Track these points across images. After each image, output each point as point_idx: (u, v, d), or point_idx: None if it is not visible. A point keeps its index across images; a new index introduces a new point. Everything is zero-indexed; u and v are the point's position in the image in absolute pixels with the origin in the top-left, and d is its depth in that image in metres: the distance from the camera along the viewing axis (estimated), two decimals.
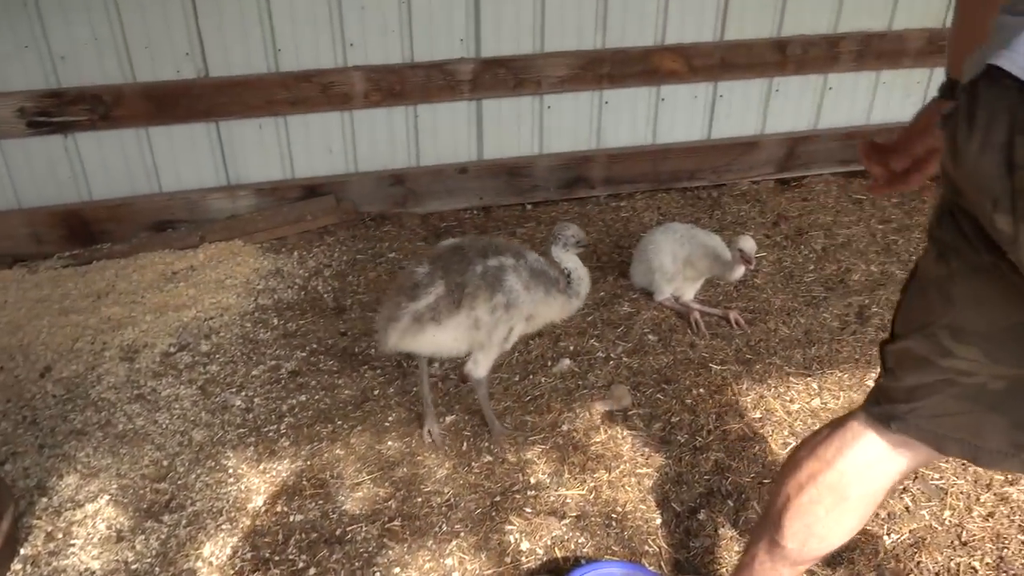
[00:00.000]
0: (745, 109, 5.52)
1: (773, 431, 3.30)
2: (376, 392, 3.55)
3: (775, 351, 3.85)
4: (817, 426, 3.19)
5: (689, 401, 3.47)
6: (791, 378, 3.64)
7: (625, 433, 3.28)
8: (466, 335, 2.82)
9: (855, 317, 4.16)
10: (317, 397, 3.52)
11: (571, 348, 3.85)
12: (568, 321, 3.88)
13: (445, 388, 3.60)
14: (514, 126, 5.22)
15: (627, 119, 5.37)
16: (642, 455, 3.19)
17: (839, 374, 3.69)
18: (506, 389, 3.57)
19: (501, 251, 2.92)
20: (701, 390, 3.54)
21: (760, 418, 3.38)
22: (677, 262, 4.03)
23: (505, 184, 5.32)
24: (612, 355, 3.80)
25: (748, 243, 3.78)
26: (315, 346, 3.89)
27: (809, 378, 3.65)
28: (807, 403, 3.49)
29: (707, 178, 5.64)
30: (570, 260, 3.09)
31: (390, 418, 3.39)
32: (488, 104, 5.10)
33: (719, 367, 3.69)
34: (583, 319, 4.09)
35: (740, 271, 3.86)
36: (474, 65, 4.92)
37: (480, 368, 2.99)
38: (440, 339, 2.80)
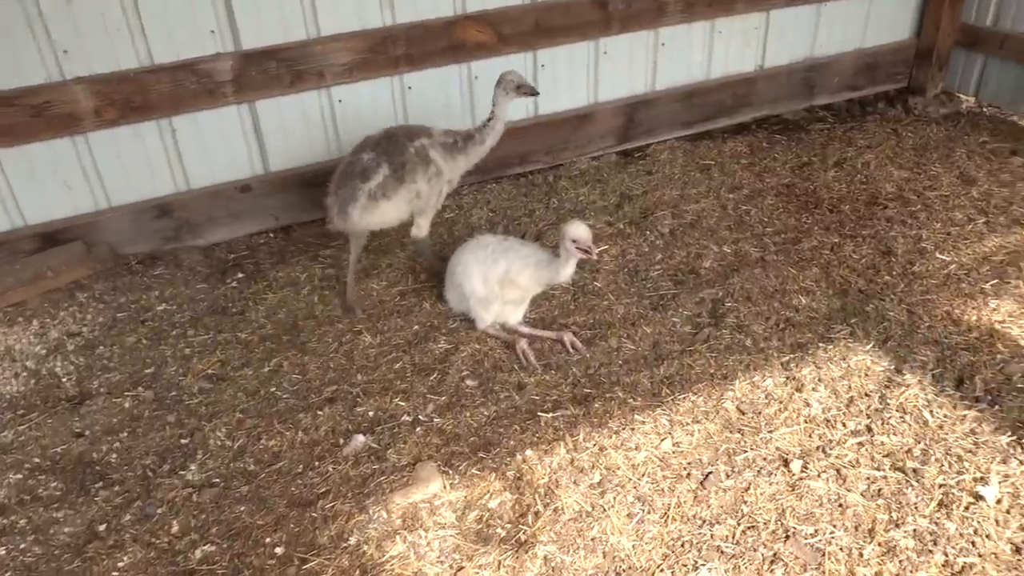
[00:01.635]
0: (572, 78, 4.74)
1: (616, 499, 2.59)
2: (106, 526, 2.62)
3: (618, 378, 3.14)
4: (668, 479, 2.64)
5: (512, 473, 2.71)
6: (636, 415, 2.93)
7: (430, 536, 2.49)
8: (408, 205, 3.46)
9: (708, 316, 3.49)
10: (23, 546, 2.56)
11: (370, 414, 3.02)
12: (371, 374, 3.06)
13: None
14: (302, 129, 4.27)
15: (438, 104, 4.50)
16: (450, 567, 2.40)
17: (692, 398, 3.01)
18: (282, 491, 2.71)
19: (419, 134, 3.49)
20: (528, 452, 2.79)
21: (600, 482, 2.66)
22: (491, 284, 3.24)
23: (304, 198, 4.38)
24: (421, 416, 2.99)
25: (579, 230, 3.01)
26: (36, 461, 2.91)
27: (658, 410, 2.96)
28: (655, 448, 2.79)
29: (541, 160, 4.86)
30: (501, 109, 3.58)
31: (120, 564, 2.48)
32: (264, 107, 4.12)
33: (550, 415, 2.95)
34: (390, 368, 3.26)
35: (571, 266, 3.12)
36: (234, 61, 3.92)
37: (423, 229, 3.65)
38: (388, 212, 3.43)
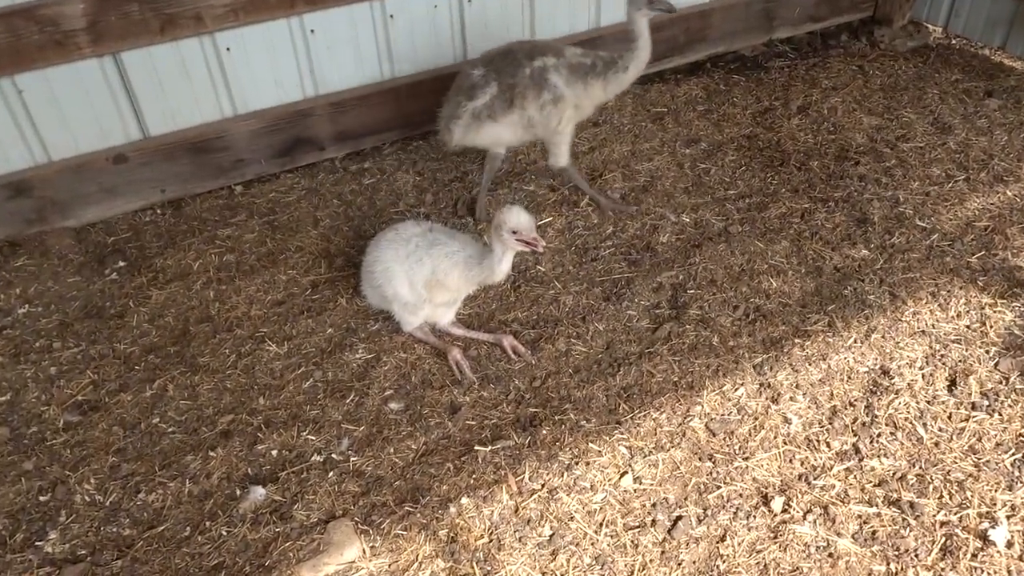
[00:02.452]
0: (504, 14, 4.06)
1: (570, 562, 2.15)
2: None
3: (568, 392, 2.66)
4: (631, 530, 2.14)
5: (445, 531, 2.24)
6: (591, 442, 2.48)
7: None
8: (522, 130, 3.18)
9: (668, 306, 3.02)
10: None
11: (273, 454, 2.49)
12: (275, 397, 2.52)
13: None
14: (184, 85, 3.53)
15: (348, 50, 3.80)
16: None
17: (655, 415, 2.57)
18: (164, 564, 2.19)
19: (544, 52, 3.11)
20: (464, 500, 2.31)
21: (551, 538, 2.21)
22: (417, 287, 2.68)
23: (194, 166, 3.69)
24: (335, 454, 2.47)
25: (519, 218, 2.46)
26: None
27: (616, 433, 2.51)
28: (615, 487, 2.35)
29: None
30: (640, 29, 3.08)
31: None
32: (132, 58, 3.37)
33: (489, 448, 2.46)
34: (298, 388, 2.71)
35: (508, 262, 2.59)
36: (86, 5, 3.13)
37: (560, 157, 3.32)
38: (498, 132, 3.16)
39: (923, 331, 2.84)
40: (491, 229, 2.50)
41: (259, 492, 2.32)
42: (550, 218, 3.51)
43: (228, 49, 3.53)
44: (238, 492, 2.36)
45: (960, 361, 2.71)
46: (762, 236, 3.35)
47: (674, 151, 3.97)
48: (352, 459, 2.44)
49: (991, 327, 2.83)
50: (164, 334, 2.98)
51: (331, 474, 2.39)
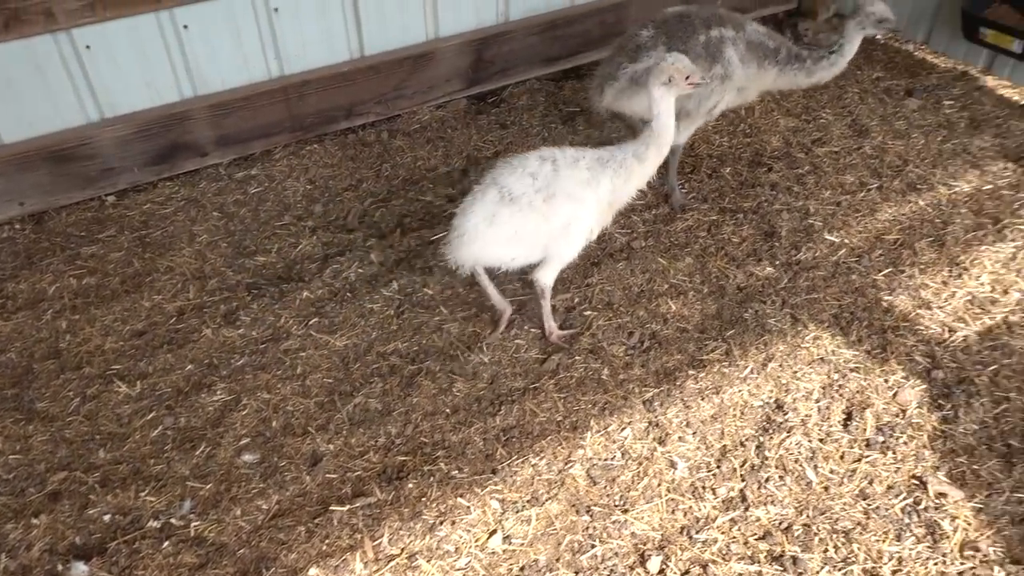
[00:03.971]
0: (403, 8, 3.77)
1: None
2: None
3: (443, 436, 2.45)
4: None
5: None
6: (460, 496, 2.27)
7: None
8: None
9: (562, 323, 2.81)
10: None
11: (106, 519, 2.23)
12: (118, 448, 2.25)
13: None
14: (38, 86, 3.19)
15: (228, 47, 3.47)
16: None
17: (534, 461, 2.37)
18: None
19: (723, 23, 2.85)
20: (313, 572, 2.08)
21: None
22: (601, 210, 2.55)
23: (55, 176, 3.35)
24: (175, 519, 2.23)
25: (688, 63, 2.40)
26: None
27: (489, 484, 2.31)
28: (481, 549, 2.15)
29: (373, 112, 3.94)
30: (852, 44, 2.93)
31: None
32: None
33: (347, 508, 2.24)
34: (145, 437, 2.45)
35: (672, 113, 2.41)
36: None
37: (680, 135, 2.97)
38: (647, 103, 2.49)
39: (822, 358, 2.69)
40: (654, 88, 2.36)
41: (81, 569, 2.06)
42: (444, 232, 3.26)
43: (88, 47, 3.19)
44: (60, 568, 2.09)
45: (858, 392, 2.57)
46: (666, 252, 3.16)
47: None
48: (193, 524, 2.20)
49: (891, 353, 2.69)
50: (3, 373, 2.68)
51: (167, 543, 2.15)
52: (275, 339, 2.76)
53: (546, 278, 2.55)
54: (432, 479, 2.30)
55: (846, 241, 3.18)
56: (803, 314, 2.85)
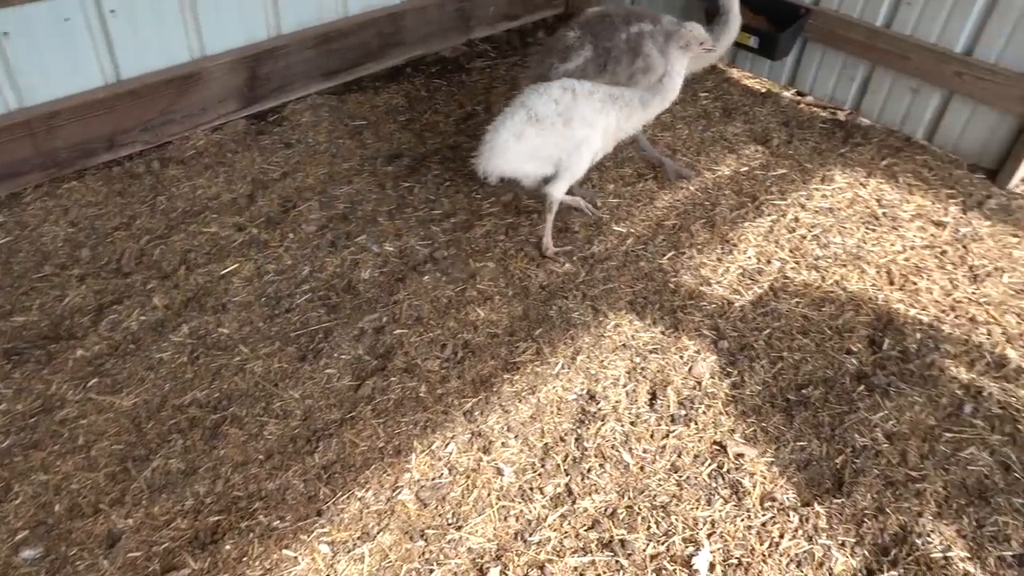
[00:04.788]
0: (161, 27, 3.46)
1: None
2: None
3: (259, 486, 2.29)
4: None
5: None
6: (286, 548, 2.14)
7: None
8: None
9: (372, 356, 2.74)
10: None
11: None
12: None
13: None
14: None
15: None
16: None
17: (360, 494, 2.28)
18: None
19: (641, 17, 3.07)
20: None
21: None
22: (607, 136, 2.97)
23: None
24: None
25: (702, 30, 2.81)
26: None
27: (317, 527, 2.19)
28: None
29: (139, 140, 3.59)
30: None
31: None
32: None
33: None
34: None
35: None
36: None
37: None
38: None
39: (624, 344, 2.83)
40: (672, 50, 2.75)
41: None
42: (235, 264, 3.05)
43: None
44: None
45: (658, 372, 2.73)
46: (469, 259, 3.17)
47: (375, 169, 3.67)
48: None
49: (683, 330, 2.89)
50: None
51: None
52: (47, 410, 2.43)
53: (557, 191, 2.93)
54: (252, 535, 2.14)
55: (632, 231, 3.38)
56: (603, 304, 2.99)
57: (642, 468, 2.41)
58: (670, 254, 3.25)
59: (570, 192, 3.16)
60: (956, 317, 2.98)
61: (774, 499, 2.32)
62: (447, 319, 2.88)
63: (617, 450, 2.46)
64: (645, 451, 2.46)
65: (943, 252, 3.30)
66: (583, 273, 3.14)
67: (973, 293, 3.09)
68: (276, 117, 3.97)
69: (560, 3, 5.06)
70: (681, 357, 2.79)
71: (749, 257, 3.25)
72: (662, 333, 2.89)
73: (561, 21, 5.07)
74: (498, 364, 2.72)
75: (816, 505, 2.30)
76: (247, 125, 3.88)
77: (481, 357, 2.74)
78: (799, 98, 4.37)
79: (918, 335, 2.89)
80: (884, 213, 3.51)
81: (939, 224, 3.45)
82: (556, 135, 2.79)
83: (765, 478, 2.38)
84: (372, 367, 2.68)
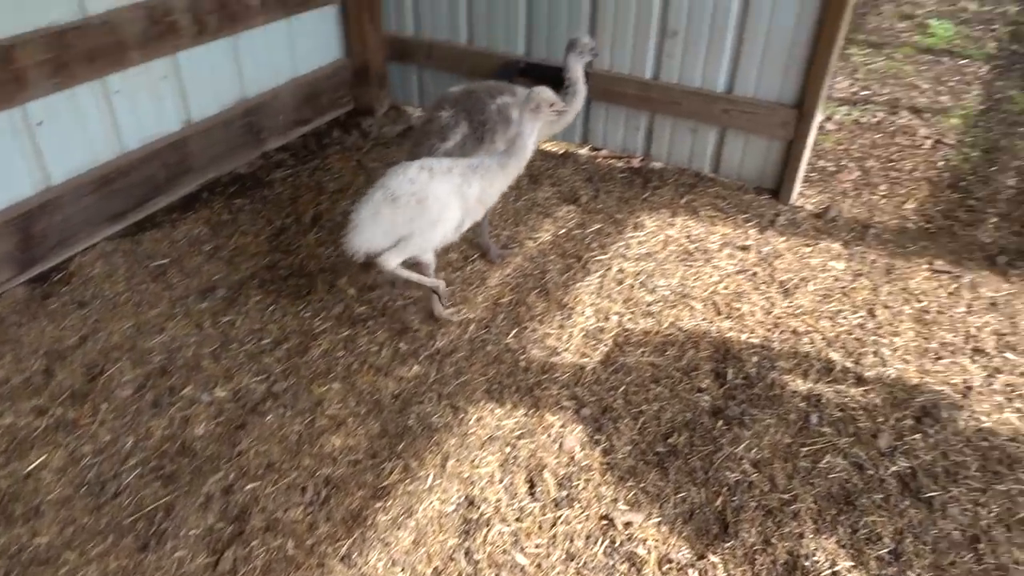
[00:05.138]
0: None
1: None
2: None
3: None
4: None
5: None
6: None
7: None
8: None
9: (226, 522, 2.47)
10: None
11: None
12: None
13: None
14: None
15: None
16: None
17: None
18: None
19: (502, 91, 3.31)
20: None
21: None
22: (468, 208, 3.02)
23: None
24: None
25: (551, 93, 2.92)
26: None
27: None
28: None
29: None
30: (578, 71, 3.35)
31: None
32: None
33: None
34: None
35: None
36: None
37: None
38: None
39: (491, 437, 2.76)
40: (524, 113, 2.84)
41: None
42: (42, 456, 2.67)
43: None
44: None
45: (531, 457, 2.68)
46: (311, 385, 2.98)
47: (188, 310, 3.39)
48: None
49: (544, 408, 2.87)
50: None
51: None
52: None
53: (391, 262, 2.96)
54: None
55: (472, 315, 3.35)
56: (460, 400, 2.91)
57: (539, 566, 2.33)
58: (514, 331, 3.25)
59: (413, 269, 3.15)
60: (781, 333, 3.19)
61: (671, 560, 2.32)
62: (301, 457, 2.68)
63: (509, 554, 2.36)
64: (537, 546, 2.39)
65: (754, 274, 3.55)
66: (433, 372, 3.05)
67: (788, 307, 3.34)
68: (62, 275, 3.59)
69: (348, 101, 5.05)
70: (549, 435, 2.77)
71: (588, 317, 3.32)
72: (525, 415, 2.85)
73: (353, 117, 5.06)
74: (366, 494, 2.55)
75: (710, 555, 2.32)
76: (29, 291, 3.47)
77: (346, 490, 2.56)
78: (595, 153, 4.60)
79: (755, 358, 3.06)
80: (696, 248, 3.73)
81: (744, 248, 3.72)
82: (410, 212, 2.85)
83: (657, 540, 2.38)
84: (228, 535, 2.42)
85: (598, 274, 3.57)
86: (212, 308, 3.41)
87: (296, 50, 4.56)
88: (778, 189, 4.06)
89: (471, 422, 2.82)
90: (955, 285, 3.45)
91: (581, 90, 3.52)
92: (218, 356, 3.14)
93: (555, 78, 4.30)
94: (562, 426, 2.80)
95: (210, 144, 4.20)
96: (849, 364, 3.03)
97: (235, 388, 2.99)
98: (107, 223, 3.78)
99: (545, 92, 2.89)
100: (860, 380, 2.95)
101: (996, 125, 4.91)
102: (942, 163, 4.50)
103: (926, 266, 3.58)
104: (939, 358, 3.05)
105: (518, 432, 2.78)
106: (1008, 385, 2.91)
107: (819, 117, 3.87)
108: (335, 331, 3.27)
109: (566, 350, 3.15)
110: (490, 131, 3.29)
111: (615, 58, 4.20)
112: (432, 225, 2.90)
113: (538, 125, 2.91)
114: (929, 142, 4.71)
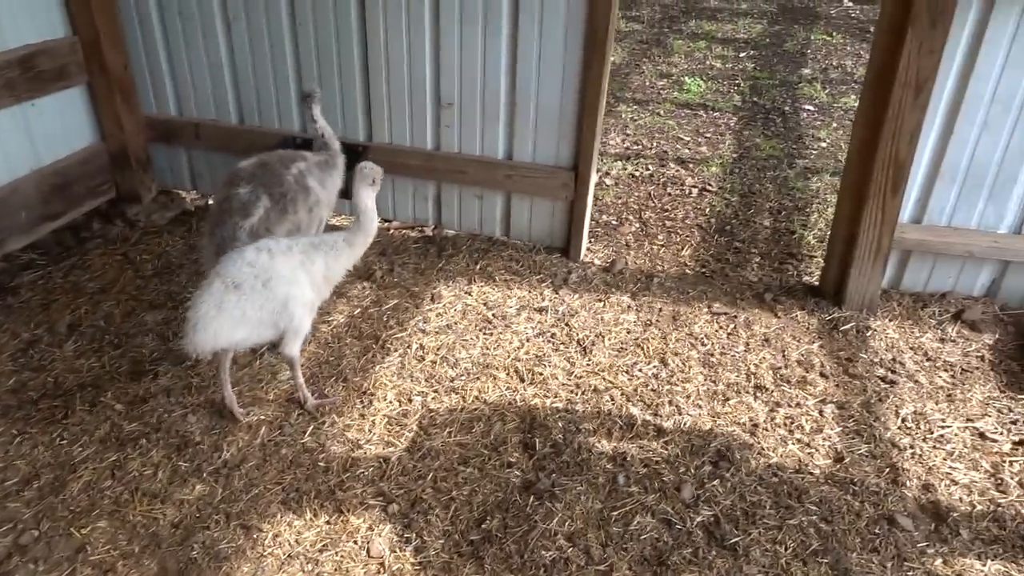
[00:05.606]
0: None
1: None
2: None
3: None
4: None
5: None
6: None
7: None
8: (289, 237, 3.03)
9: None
10: None
11: None
12: None
13: None
14: None
15: None
16: None
17: None
18: None
19: (294, 158, 3.32)
20: None
21: None
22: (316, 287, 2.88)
23: None
24: None
25: (379, 168, 2.96)
26: None
27: None
28: None
29: None
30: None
31: None
32: None
33: None
34: None
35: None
36: None
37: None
38: None
39: (290, 555, 2.49)
40: (361, 188, 2.86)
41: None
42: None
43: None
44: None
45: (336, 571, 2.44)
46: (71, 528, 2.54)
47: None
48: None
49: (348, 510, 2.65)
50: None
51: None
52: None
53: (289, 350, 2.84)
54: None
55: (263, 416, 3.06)
56: (252, 518, 2.61)
57: None
58: (311, 428, 3.01)
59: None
60: (583, 393, 3.21)
61: None
62: None
63: None
64: None
65: (553, 335, 3.57)
66: (220, 490, 2.73)
67: (588, 365, 3.39)
68: None
69: (109, 188, 4.57)
70: (355, 542, 2.55)
71: (390, 402, 3.15)
72: (328, 523, 2.61)
73: (116, 206, 4.59)
74: None
75: None
76: None
77: None
78: (387, 224, 4.49)
79: (560, 423, 3.04)
80: (494, 314, 3.71)
81: (541, 310, 3.75)
82: (259, 298, 2.69)
83: None
84: None
85: (398, 353, 3.43)
86: None
87: (35, 138, 4.05)
88: (567, 247, 4.17)
89: (267, 541, 2.53)
90: (732, 325, 3.68)
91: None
92: None
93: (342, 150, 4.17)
94: (369, 528, 2.59)
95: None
96: (648, 417, 3.10)
97: None
98: None
99: (374, 167, 2.93)
100: (660, 432, 3.02)
101: (749, 171, 5.44)
102: (708, 209, 4.87)
103: (706, 309, 3.80)
104: (727, 399, 3.21)
105: (320, 544, 2.53)
106: (788, 418, 3.11)
107: (595, 176, 4.03)
108: (99, 457, 2.84)
109: (368, 441, 2.96)
110: (291, 201, 3.20)
111: (395, 130, 4.15)
112: (284, 306, 2.75)
113: (374, 197, 2.91)
114: (696, 190, 5.10)
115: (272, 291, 2.72)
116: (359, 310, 3.72)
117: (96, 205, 4.53)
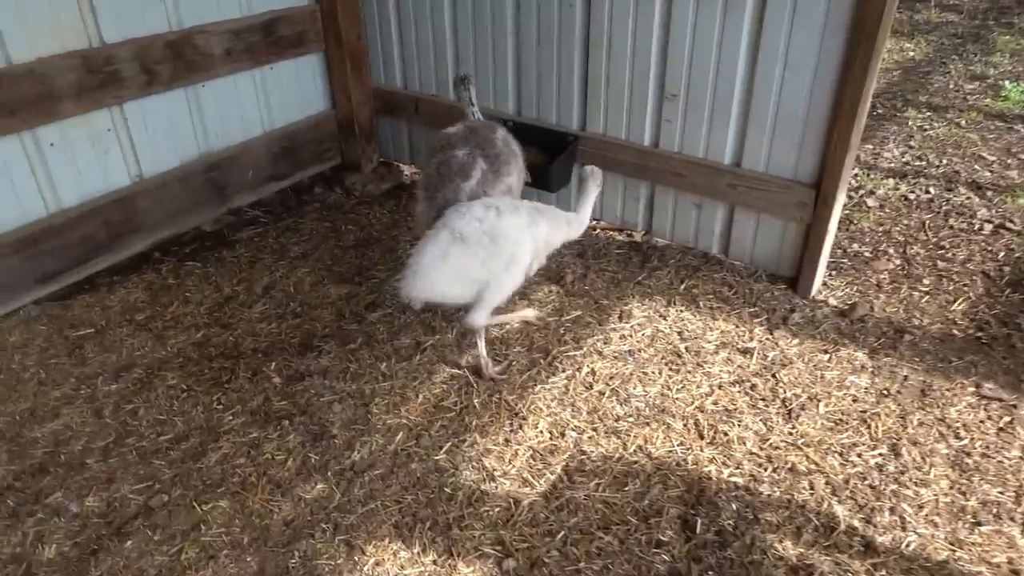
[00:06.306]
0: None
1: None
2: None
3: None
4: None
5: None
6: None
7: None
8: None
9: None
10: None
11: None
12: None
13: None
14: None
15: None
16: None
17: None
18: None
19: (495, 126, 3.20)
20: None
21: None
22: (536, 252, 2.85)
23: None
24: None
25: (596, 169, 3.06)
26: None
27: None
28: None
29: None
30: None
31: None
32: None
33: None
34: None
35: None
36: None
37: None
38: None
39: None
40: (592, 188, 3.03)
41: None
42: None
43: None
44: None
45: None
46: (195, 502, 2.48)
47: (94, 392, 2.97)
48: None
49: (459, 554, 2.29)
50: None
51: None
52: None
53: (474, 319, 2.75)
54: None
55: (404, 421, 2.81)
56: (360, 536, 2.37)
57: None
58: (448, 445, 2.70)
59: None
60: (775, 471, 2.54)
61: None
62: None
63: None
64: None
65: (753, 387, 2.90)
66: (339, 494, 2.52)
67: (789, 434, 2.68)
68: None
69: (334, 155, 4.65)
70: None
71: (540, 431, 2.74)
72: (434, 563, 2.28)
73: (339, 173, 4.66)
74: None
75: None
76: None
77: None
78: (592, 223, 4.04)
79: (734, 505, 2.41)
80: (687, 348, 3.12)
81: (745, 352, 3.08)
82: (483, 253, 2.65)
83: None
84: None
85: (565, 375, 2.99)
86: (120, 392, 2.98)
87: (270, 101, 4.19)
88: (796, 278, 3.41)
89: (366, 568, 2.27)
90: (1008, 418, 2.72)
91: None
92: (108, 453, 2.70)
93: (542, 140, 3.80)
94: None
95: (164, 201, 3.83)
96: (857, 523, 2.35)
97: (110, 498, 2.52)
98: (35, 286, 3.43)
99: (597, 169, 3.06)
100: (869, 548, 2.27)
101: None
102: (1004, 253, 3.75)
103: (972, 389, 2.86)
104: (978, 523, 2.34)
105: None
106: None
107: (842, 197, 3.22)
108: (243, 431, 2.78)
109: (505, 475, 2.58)
110: (505, 163, 3.07)
111: (610, 121, 3.66)
112: (506, 267, 2.70)
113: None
114: (989, 226, 3.97)
115: (498, 247, 2.65)
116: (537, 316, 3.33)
117: (321, 170, 4.64)
